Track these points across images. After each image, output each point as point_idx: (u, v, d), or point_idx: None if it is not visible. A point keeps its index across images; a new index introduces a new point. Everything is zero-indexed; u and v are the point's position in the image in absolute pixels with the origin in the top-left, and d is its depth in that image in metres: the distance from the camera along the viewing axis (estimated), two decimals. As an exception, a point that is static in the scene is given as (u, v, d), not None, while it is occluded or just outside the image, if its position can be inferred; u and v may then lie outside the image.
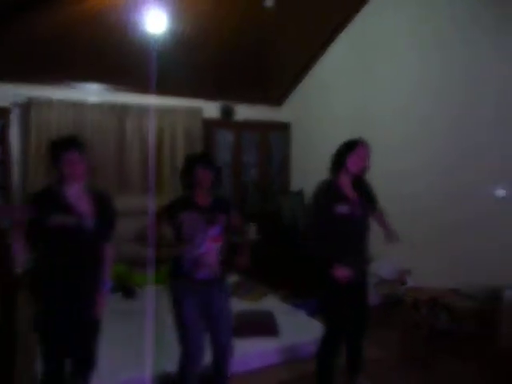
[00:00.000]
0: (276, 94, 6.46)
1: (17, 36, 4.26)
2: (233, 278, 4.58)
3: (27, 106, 4.90)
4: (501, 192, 3.77)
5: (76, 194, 2.20)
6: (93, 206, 2.23)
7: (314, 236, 2.64)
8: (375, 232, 2.79)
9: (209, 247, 2.48)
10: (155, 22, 4.39)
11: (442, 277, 4.17)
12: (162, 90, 5.14)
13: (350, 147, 2.61)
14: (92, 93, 5.26)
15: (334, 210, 2.54)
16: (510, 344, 3.34)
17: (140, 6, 4.27)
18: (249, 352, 3.16)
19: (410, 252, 4.47)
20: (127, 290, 4.35)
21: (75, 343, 2.22)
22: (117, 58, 4.88)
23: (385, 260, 4.60)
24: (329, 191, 2.60)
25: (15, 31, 4.20)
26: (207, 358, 2.56)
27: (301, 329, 3.55)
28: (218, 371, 2.62)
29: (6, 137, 4.75)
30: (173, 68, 5.02)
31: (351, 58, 5.35)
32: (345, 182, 2.64)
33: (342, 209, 2.54)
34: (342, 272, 2.52)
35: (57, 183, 2.18)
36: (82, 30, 4.40)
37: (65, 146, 2.16)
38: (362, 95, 5.21)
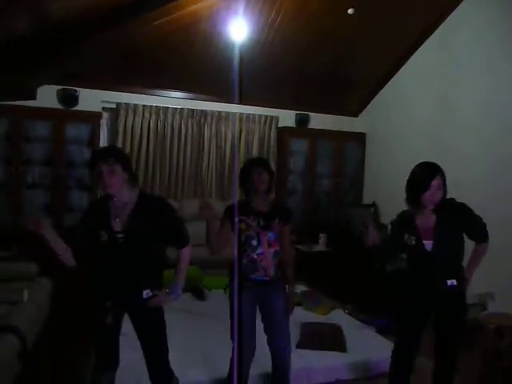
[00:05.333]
0: (353, 104, 6.33)
1: (107, 46, 4.50)
2: (300, 289, 4.51)
3: (115, 112, 5.18)
4: None
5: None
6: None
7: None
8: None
9: (264, 251, 2.52)
10: (238, 31, 4.47)
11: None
12: (240, 98, 5.25)
13: (423, 185, 2.36)
14: (174, 100, 5.45)
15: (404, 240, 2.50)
16: None
17: (223, 15, 4.37)
18: (314, 365, 3.07)
19: (493, 274, 4.11)
20: (198, 291, 4.39)
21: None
22: (199, 67, 5.02)
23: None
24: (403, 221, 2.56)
25: (106, 42, 4.42)
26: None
27: (369, 346, 3.40)
28: (277, 376, 2.62)
29: (95, 140, 4.99)
30: (252, 77, 5.09)
31: (434, 67, 5.09)
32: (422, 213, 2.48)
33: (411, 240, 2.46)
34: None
35: None
36: (168, 40, 4.57)
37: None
38: (444, 107, 4.93)
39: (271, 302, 2.59)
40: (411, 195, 2.44)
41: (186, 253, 2.30)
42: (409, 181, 2.45)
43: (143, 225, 2.16)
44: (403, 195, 2.50)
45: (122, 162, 2.16)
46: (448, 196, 2.46)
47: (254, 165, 2.61)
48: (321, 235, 5.73)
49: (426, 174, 2.37)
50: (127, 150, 5.18)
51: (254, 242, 2.52)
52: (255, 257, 2.52)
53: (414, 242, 2.43)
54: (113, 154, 2.16)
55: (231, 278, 2.60)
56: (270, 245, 2.55)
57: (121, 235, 2.14)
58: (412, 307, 2.53)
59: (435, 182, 2.34)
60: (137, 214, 2.17)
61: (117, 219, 2.16)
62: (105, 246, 2.14)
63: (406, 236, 2.46)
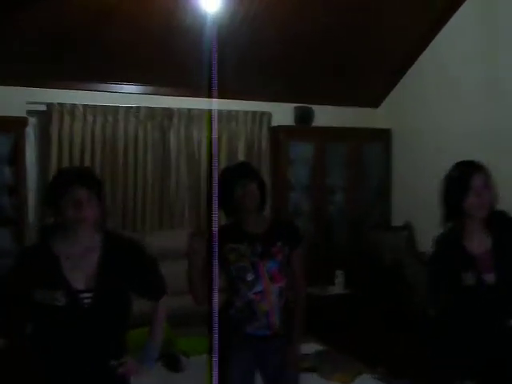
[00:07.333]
0: (371, 91, 6.39)
1: (32, 29, 4.49)
2: (314, 348, 4.43)
3: (47, 115, 5.13)
4: None
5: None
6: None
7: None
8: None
9: (265, 288, 2.51)
10: (210, 0, 4.43)
11: None
12: (218, 90, 5.16)
13: (463, 185, 2.38)
14: (126, 96, 5.46)
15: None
16: None
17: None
18: None
19: None
20: (171, 359, 4.25)
21: None
22: (160, 50, 5.03)
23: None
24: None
25: (30, 23, 4.43)
26: None
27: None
28: None
29: (19, 156, 4.91)
30: (232, 60, 5.03)
31: (481, 33, 5.14)
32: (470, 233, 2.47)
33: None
34: None
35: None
36: (116, 15, 4.54)
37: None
38: (499, 87, 4.96)
39: (275, 365, 2.59)
40: (450, 205, 2.47)
41: (163, 305, 2.37)
42: (443, 187, 2.50)
43: (116, 277, 2.15)
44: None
45: (99, 189, 2.16)
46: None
47: (235, 175, 2.59)
48: (337, 272, 5.75)
49: (464, 171, 2.44)
50: (64, 165, 5.09)
51: (250, 276, 2.50)
52: (252, 297, 2.50)
53: (471, 277, 2.40)
54: (92, 176, 2.18)
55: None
56: (272, 279, 2.52)
57: (87, 295, 2.09)
58: (462, 355, 2.45)
59: (478, 181, 2.38)
60: (107, 263, 2.15)
61: (74, 271, 2.09)
62: (60, 312, 2.04)
63: (458, 270, 2.42)
